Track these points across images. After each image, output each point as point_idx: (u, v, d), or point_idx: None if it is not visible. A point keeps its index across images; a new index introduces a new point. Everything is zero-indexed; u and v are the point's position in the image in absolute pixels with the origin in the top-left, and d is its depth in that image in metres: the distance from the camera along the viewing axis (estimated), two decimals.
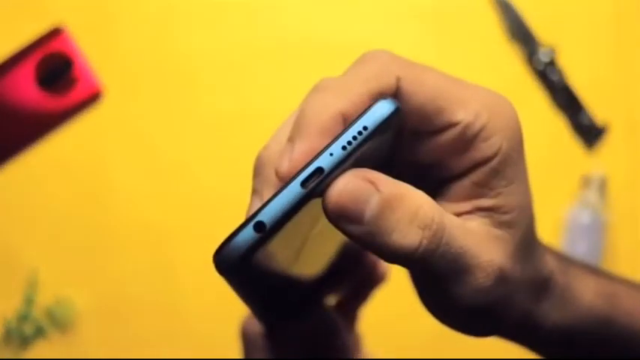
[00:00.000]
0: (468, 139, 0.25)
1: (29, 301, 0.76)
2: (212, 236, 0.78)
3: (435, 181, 0.28)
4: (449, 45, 0.80)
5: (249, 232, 0.22)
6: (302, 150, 0.24)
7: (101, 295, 0.77)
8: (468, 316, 0.27)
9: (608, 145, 0.79)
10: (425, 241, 0.24)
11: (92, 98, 0.78)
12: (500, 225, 0.26)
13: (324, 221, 0.27)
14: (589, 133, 0.79)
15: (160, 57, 0.79)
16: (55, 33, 0.78)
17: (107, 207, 0.78)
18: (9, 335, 0.76)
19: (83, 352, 0.77)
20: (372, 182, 0.23)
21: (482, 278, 0.25)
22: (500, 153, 0.26)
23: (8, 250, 0.77)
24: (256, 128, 0.79)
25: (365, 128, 0.23)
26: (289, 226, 0.23)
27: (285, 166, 0.24)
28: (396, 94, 0.25)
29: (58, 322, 0.76)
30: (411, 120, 0.26)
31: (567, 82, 0.79)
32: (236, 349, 0.77)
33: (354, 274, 0.40)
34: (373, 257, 0.40)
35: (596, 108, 0.80)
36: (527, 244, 0.28)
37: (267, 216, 0.22)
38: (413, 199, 0.24)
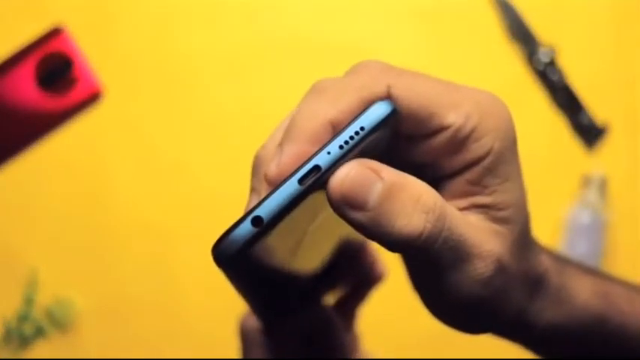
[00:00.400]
0: (459, 141, 0.26)
1: (29, 301, 0.76)
2: (212, 236, 0.77)
3: (429, 179, 0.28)
4: (449, 45, 0.80)
5: (246, 227, 0.23)
6: (290, 155, 0.25)
7: (101, 295, 0.77)
8: (464, 309, 0.27)
9: (608, 145, 0.79)
10: (429, 225, 0.24)
11: (92, 98, 0.78)
12: (497, 221, 0.27)
13: (322, 219, 0.27)
14: (589, 133, 0.79)
15: (160, 57, 0.79)
16: (55, 33, 0.78)
17: (107, 207, 0.78)
18: (9, 335, 0.76)
19: (83, 352, 0.77)
20: (374, 170, 0.24)
21: (481, 268, 0.26)
22: (492, 152, 0.26)
23: (8, 250, 0.77)
24: (256, 128, 0.79)
25: (362, 128, 0.24)
26: (287, 223, 0.24)
27: (274, 171, 0.25)
28: (383, 98, 0.26)
29: (58, 322, 0.76)
30: (404, 125, 0.26)
31: (567, 82, 0.79)
32: (235, 349, 0.77)
33: (352, 273, 0.40)
34: (370, 257, 0.40)
35: (596, 108, 0.80)
36: (522, 241, 0.28)
37: (264, 211, 0.23)
38: (414, 185, 0.24)
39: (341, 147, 0.24)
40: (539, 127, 0.79)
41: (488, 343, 0.71)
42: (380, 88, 0.26)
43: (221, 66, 0.79)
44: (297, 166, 0.24)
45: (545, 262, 0.31)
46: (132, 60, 0.79)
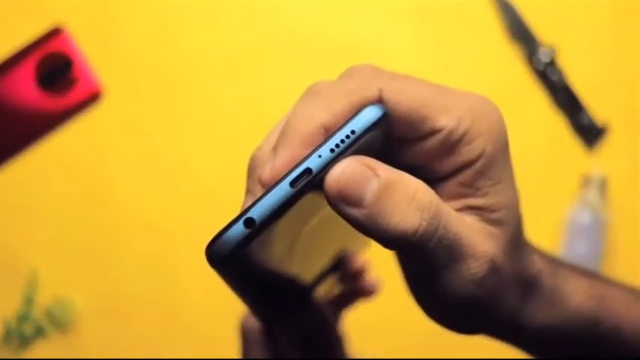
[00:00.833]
0: (452, 144, 0.26)
1: (29, 301, 0.76)
2: (212, 236, 0.78)
3: (423, 181, 0.28)
4: (449, 45, 0.80)
5: (239, 228, 0.24)
6: (284, 159, 0.25)
7: (101, 295, 0.77)
8: (457, 309, 0.28)
9: (609, 145, 0.79)
10: (424, 223, 0.24)
11: (92, 98, 0.78)
12: (490, 222, 0.27)
13: (316, 220, 0.27)
14: (589, 133, 0.79)
15: (160, 57, 0.79)
16: (55, 33, 0.78)
17: (107, 207, 0.78)
18: (9, 335, 0.76)
19: (83, 352, 0.77)
20: (370, 167, 0.24)
21: (475, 268, 0.26)
22: (484, 155, 0.26)
23: (8, 250, 0.77)
24: (256, 128, 0.79)
25: (353, 132, 0.25)
26: (280, 224, 0.24)
27: (267, 174, 0.25)
28: (374, 102, 0.26)
29: (58, 322, 0.76)
30: (396, 128, 0.27)
31: (567, 82, 0.79)
32: (236, 349, 0.77)
33: (343, 277, 0.41)
34: (362, 268, 0.42)
35: (596, 108, 0.80)
36: (515, 243, 0.28)
37: (256, 213, 0.24)
38: (410, 183, 0.25)
39: (332, 150, 0.24)
40: (539, 127, 0.79)
41: (485, 343, 0.71)
42: (372, 92, 0.26)
43: (221, 66, 0.79)
44: (290, 169, 0.25)
45: (538, 264, 0.31)
46: (132, 60, 0.79)
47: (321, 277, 0.37)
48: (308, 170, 0.24)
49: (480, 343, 0.69)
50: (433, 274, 0.27)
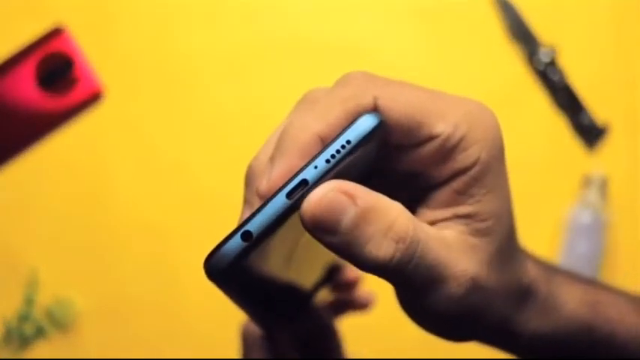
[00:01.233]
0: (447, 150, 0.26)
1: (29, 301, 0.76)
2: (212, 236, 0.78)
3: (417, 188, 0.28)
4: (449, 45, 0.80)
5: (236, 241, 0.24)
6: (280, 170, 0.25)
7: (101, 295, 0.77)
8: (444, 322, 0.28)
9: (609, 145, 0.79)
10: (398, 254, 0.25)
11: (93, 98, 0.78)
12: (477, 233, 0.27)
13: None
14: (590, 133, 0.79)
15: (160, 57, 0.79)
16: (55, 33, 0.78)
17: (107, 207, 0.78)
18: (9, 335, 0.76)
19: (83, 352, 0.77)
20: (349, 195, 0.24)
21: (454, 288, 0.26)
22: (479, 162, 0.26)
23: (8, 250, 0.77)
24: (256, 128, 0.79)
25: (348, 142, 0.25)
26: (277, 235, 0.24)
27: (265, 186, 0.26)
28: (369, 111, 0.26)
29: (58, 322, 0.76)
30: (392, 135, 0.27)
31: (568, 82, 0.79)
32: (236, 349, 0.77)
33: (337, 288, 0.42)
34: (357, 284, 0.43)
35: (597, 108, 0.80)
36: (505, 252, 0.28)
37: (254, 226, 0.24)
38: (388, 212, 0.25)
39: (327, 161, 0.24)
40: (539, 127, 0.79)
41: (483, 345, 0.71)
42: (366, 100, 0.26)
43: (221, 66, 0.79)
44: (287, 180, 0.25)
45: (532, 272, 0.31)
46: (132, 60, 0.79)
47: (320, 284, 0.37)
48: (304, 181, 0.24)
49: (477, 344, 0.69)
50: (415, 295, 0.27)
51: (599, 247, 0.76)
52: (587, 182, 0.77)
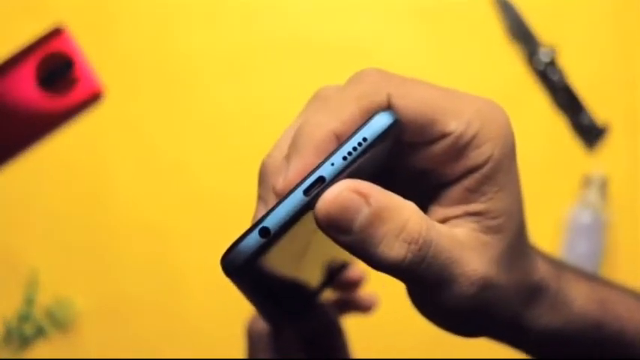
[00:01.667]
0: (460, 148, 0.26)
1: (29, 301, 0.76)
2: (212, 236, 0.78)
3: (429, 185, 0.29)
4: (449, 45, 0.80)
5: (254, 237, 0.24)
6: (296, 168, 0.26)
7: (101, 295, 0.77)
8: (455, 318, 0.28)
9: (609, 145, 0.79)
10: (410, 255, 0.25)
11: (93, 98, 0.78)
12: (488, 230, 0.27)
13: None
14: (589, 133, 0.79)
15: (160, 57, 0.79)
16: (55, 33, 0.78)
17: (107, 207, 0.78)
18: (9, 335, 0.76)
19: (83, 352, 0.77)
20: (362, 194, 0.24)
21: (466, 286, 0.27)
22: (491, 160, 0.27)
23: (8, 250, 0.77)
24: (256, 128, 0.79)
25: (364, 140, 0.25)
26: (292, 231, 0.25)
27: (281, 183, 0.26)
28: (385, 108, 0.26)
29: (59, 322, 0.76)
30: (405, 132, 0.27)
31: (568, 82, 0.79)
32: (237, 348, 0.77)
33: (339, 287, 0.42)
34: (359, 284, 0.43)
35: (597, 108, 0.80)
36: (516, 249, 0.28)
37: (271, 222, 0.24)
38: (402, 212, 0.25)
39: (344, 158, 0.25)
40: (539, 127, 0.79)
41: (485, 344, 0.71)
42: (380, 98, 0.26)
43: (221, 66, 0.80)
44: (303, 178, 0.25)
45: (541, 269, 0.31)
46: (132, 60, 0.79)
47: (326, 282, 0.37)
48: (321, 178, 0.24)
49: (481, 343, 0.69)
50: (427, 293, 0.27)
51: (599, 247, 0.76)
52: (587, 182, 0.77)
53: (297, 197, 0.24)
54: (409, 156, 0.28)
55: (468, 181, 0.27)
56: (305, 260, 0.30)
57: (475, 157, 0.26)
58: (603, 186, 0.76)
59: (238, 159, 0.79)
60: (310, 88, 0.79)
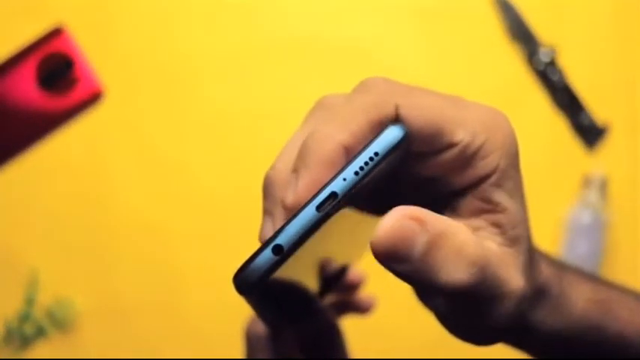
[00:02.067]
0: (467, 158, 0.27)
1: (30, 301, 0.76)
2: (212, 236, 0.78)
3: (438, 194, 0.29)
4: (449, 45, 0.80)
5: (267, 255, 0.24)
6: (306, 182, 0.25)
7: (101, 295, 0.77)
8: (490, 333, 0.28)
9: (609, 145, 0.79)
10: (473, 277, 0.25)
11: (93, 98, 0.78)
12: (510, 242, 0.27)
13: (334, 239, 0.27)
14: (589, 133, 0.79)
15: (160, 57, 0.79)
16: (55, 33, 0.78)
17: (107, 207, 0.78)
18: (10, 335, 0.76)
19: (84, 352, 0.77)
20: (419, 220, 0.24)
21: (509, 303, 0.27)
22: (498, 170, 0.27)
23: (8, 250, 0.77)
24: (256, 128, 0.79)
25: (376, 154, 0.25)
26: (304, 247, 0.25)
27: (291, 199, 0.25)
28: (395, 121, 0.26)
29: (59, 322, 0.76)
30: (413, 143, 0.27)
31: (568, 82, 0.79)
32: (237, 348, 0.77)
33: (341, 289, 0.42)
34: (358, 287, 0.43)
35: (597, 108, 0.80)
36: (530, 257, 0.29)
37: (284, 239, 0.24)
38: (457, 236, 0.25)
39: (356, 173, 0.25)
40: (539, 127, 0.79)
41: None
42: (389, 109, 0.26)
43: (221, 66, 0.80)
44: (313, 193, 0.25)
45: (544, 271, 0.31)
46: (132, 60, 0.79)
47: (328, 285, 0.37)
48: (334, 194, 0.24)
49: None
50: (474, 313, 0.27)
51: (599, 247, 0.76)
52: (587, 182, 0.77)
53: (310, 213, 0.24)
54: (416, 164, 0.28)
55: (477, 192, 0.27)
56: (309, 266, 0.30)
57: (482, 167, 0.27)
58: (603, 186, 0.76)
59: (238, 159, 0.79)
60: (310, 88, 0.79)
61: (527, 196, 0.77)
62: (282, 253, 0.24)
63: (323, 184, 0.25)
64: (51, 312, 0.76)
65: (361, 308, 0.45)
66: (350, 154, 0.26)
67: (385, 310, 0.75)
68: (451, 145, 0.26)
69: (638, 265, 0.78)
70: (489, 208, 0.27)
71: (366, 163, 0.25)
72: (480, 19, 0.80)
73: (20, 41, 0.79)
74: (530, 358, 0.35)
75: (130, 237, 0.78)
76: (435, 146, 0.27)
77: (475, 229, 0.28)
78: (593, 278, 0.35)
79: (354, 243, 0.32)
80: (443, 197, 0.28)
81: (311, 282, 0.33)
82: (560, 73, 0.79)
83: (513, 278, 0.27)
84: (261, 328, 0.39)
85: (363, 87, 0.27)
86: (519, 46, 0.80)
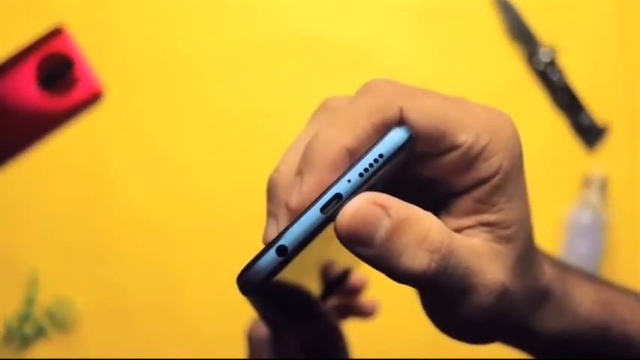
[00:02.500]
0: (469, 160, 0.27)
1: (30, 301, 0.76)
2: (212, 236, 0.78)
3: (438, 196, 0.29)
4: (449, 45, 0.80)
5: (271, 256, 0.24)
6: (310, 185, 0.25)
7: (101, 295, 0.77)
8: (470, 328, 0.28)
9: (609, 145, 0.79)
10: (433, 264, 0.25)
11: (93, 98, 0.78)
12: (501, 240, 0.27)
13: (337, 240, 0.28)
14: (589, 133, 0.79)
15: (160, 57, 0.79)
16: (55, 33, 0.78)
17: (107, 207, 0.78)
18: (10, 335, 0.76)
19: (84, 352, 0.77)
20: (382, 206, 0.24)
21: (485, 295, 0.27)
22: (500, 171, 0.27)
23: (8, 250, 0.77)
24: (256, 128, 0.79)
25: (381, 156, 0.25)
26: (307, 249, 0.24)
27: (295, 201, 0.26)
28: (400, 123, 0.26)
29: (59, 322, 0.76)
30: (416, 145, 0.27)
31: (568, 82, 0.79)
32: (237, 348, 0.77)
33: (344, 293, 0.42)
34: (361, 291, 0.44)
35: (597, 108, 0.80)
36: (526, 256, 0.28)
37: (288, 240, 0.24)
38: (422, 222, 0.25)
39: (361, 175, 0.25)
40: (539, 127, 0.79)
41: (488, 346, 0.71)
42: (393, 111, 0.26)
43: (221, 66, 0.79)
44: (317, 195, 0.25)
45: (547, 273, 0.31)
46: (132, 60, 0.79)
47: (331, 288, 0.37)
48: (338, 195, 0.24)
49: (481, 346, 0.69)
50: (444, 303, 0.27)
51: (599, 247, 0.76)
52: (587, 182, 0.77)
53: (314, 215, 0.24)
54: (418, 165, 0.28)
55: (478, 192, 0.27)
56: (312, 269, 0.30)
57: (485, 168, 0.27)
58: (603, 186, 0.76)
59: (238, 159, 0.79)
60: (310, 88, 0.79)
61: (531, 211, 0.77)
62: (287, 255, 0.24)
63: (327, 186, 0.25)
64: (51, 312, 0.76)
65: (364, 313, 0.45)
66: (354, 156, 0.26)
67: (386, 311, 0.75)
68: (454, 147, 0.26)
69: (638, 265, 0.78)
70: (483, 208, 0.27)
71: (371, 165, 0.25)
72: (480, 19, 0.80)
73: (20, 41, 0.79)
74: (531, 358, 0.35)
75: (130, 237, 0.78)
76: (438, 148, 0.27)
77: (464, 228, 0.28)
78: (596, 279, 0.35)
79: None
80: (444, 198, 0.28)
81: (313, 284, 0.33)
82: (560, 73, 0.79)
83: (491, 271, 0.27)
84: (263, 330, 0.39)
85: (366, 89, 0.27)
86: (519, 46, 0.80)
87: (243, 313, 0.78)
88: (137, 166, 0.79)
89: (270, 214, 0.28)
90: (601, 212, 0.76)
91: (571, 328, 0.32)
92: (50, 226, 0.78)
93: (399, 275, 0.25)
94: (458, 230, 0.28)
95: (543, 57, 0.79)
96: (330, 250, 0.30)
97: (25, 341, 0.76)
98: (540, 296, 0.30)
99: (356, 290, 0.45)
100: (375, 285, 0.76)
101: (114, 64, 0.79)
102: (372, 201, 0.24)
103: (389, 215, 0.24)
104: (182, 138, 0.79)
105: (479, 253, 0.27)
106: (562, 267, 0.33)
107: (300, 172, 0.26)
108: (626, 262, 0.78)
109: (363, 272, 0.50)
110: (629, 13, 0.80)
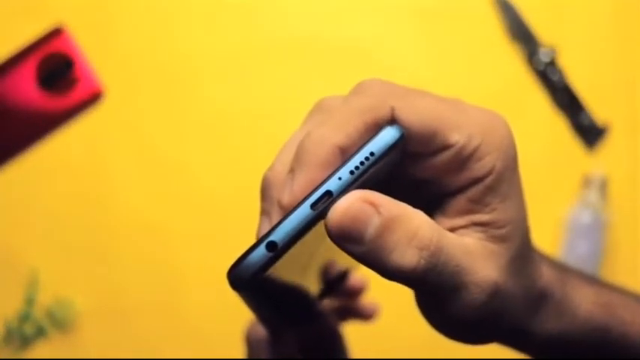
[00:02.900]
0: (462, 160, 0.27)
1: (30, 301, 0.76)
2: (212, 236, 0.78)
3: (432, 196, 0.29)
4: (449, 45, 0.80)
5: (261, 251, 0.24)
6: (301, 182, 0.26)
7: (101, 295, 0.77)
8: (464, 327, 0.28)
9: (609, 145, 0.79)
10: (423, 261, 0.25)
11: (93, 98, 0.78)
12: (495, 239, 0.27)
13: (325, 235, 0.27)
14: (589, 133, 0.79)
15: (160, 57, 0.79)
16: (55, 33, 0.78)
17: (107, 207, 0.78)
18: (10, 335, 0.76)
19: (84, 352, 0.77)
20: (372, 204, 0.24)
21: (477, 294, 0.27)
22: (493, 172, 0.27)
23: (8, 250, 0.77)
24: (256, 128, 0.79)
25: (372, 154, 0.25)
26: (298, 244, 0.25)
27: (286, 198, 0.26)
28: (391, 122, 0.27)
29: (59, 322, 0.76)
30: (408, 144, 0.27)
31: (568, 82, 0.79)
32: (237, 348, 0.77)
33: (344, 295, 0.42)
34: (361, 293, 0.44)
35: (597, 108, 0.80)
36: (522, 257, 0.29)
37: (278, 236, 0.24)
38: (412, 220, 0.25)
39: (351, 172, 0.25)
40: (539, 127, 0.79)
41: (487, 347, 0.71)
42: (385, 111, 0.26)
43: (221, 66, 0.79)
44: (309, 192, 0.25)
45: (546, 274, 0.31)
46: (132, 60, 0.79)
47: (328, 289, 0.37)
48: (328, 192, 0.25)
49: (481, 347, 0.69)
50: (437, 301, 0.27)
51: (599, 247, 0.76)
52: (587, 182, 0.77)
53: (305, 211, 0.24)
54: (411, 165, 0.28)
55: (471, 193, 0.27)
56: (307, 269, 0.30)
57: (478, 168, 0.27)
58: (603, 186, 0.76)
59: (238, 159, 0.79)
60: (310, 88, 0.79)
61: (527, 197, 0.77)
62: (276, 250, 0.24)
63: (318, 183, 0.25)
64: (51, 312, 0.76)
65: (364, 315, 0.45)
66: (345, 155, 0.26)
67: (386, 311, 0.75)
68: (447, 147, 0.26)
69: (638, 265, 0.78)
70: (477, 208, 0.27)
71: (362, 163, 0.25)
72: (480, 19, 0.80)
73: (20, 41, 0.79)
74: (530, 359, 0.35)
75: (130, 237, 0.78)
76: (430, 148, 0.27)
77: (457, 228, 0.28)
78: (595, 281, 0.35)
79: None
80: (437, 198, 0.29)
81: (310, 284, 0.33)
82: (560, 73, 0.79)
83: (483, 270, 0.27)
84: (261, 331, 0.39)
85: (359, 89, 0.28)
86: (519, 46, 0.80)
87: (243, 313, 0.78)
88: (137, 166, 0.79)
89: (264, 212, 0.28)
90: (601, 212, 0.76)
91: (571, 330, 0.32)
92: (50, 226, 0.78)
93: (389, 272, 0.25)
94: (452, 230, 0.28)
95: (543, 57, 0.79)
96: (326, 250, 0.30)
97: (25, 341, 0.76)
98: (538, 297, 0.30)
99: (356, 292, 0.45)
100: (375, 286, 0.75)
101: (114, 64, 0.79)
102: (362, 198, 0.24)
103: (379, 213, 0.24)
104: (182, 138, 0.79)
105: (472, 252, 0.27)
106: (561, 269, 0.33)
107: (292, 171, 0.26)
108: (626, 263, 0.78)
109: (363, 274, 0.50)
110: (629, 13, 0.80)
